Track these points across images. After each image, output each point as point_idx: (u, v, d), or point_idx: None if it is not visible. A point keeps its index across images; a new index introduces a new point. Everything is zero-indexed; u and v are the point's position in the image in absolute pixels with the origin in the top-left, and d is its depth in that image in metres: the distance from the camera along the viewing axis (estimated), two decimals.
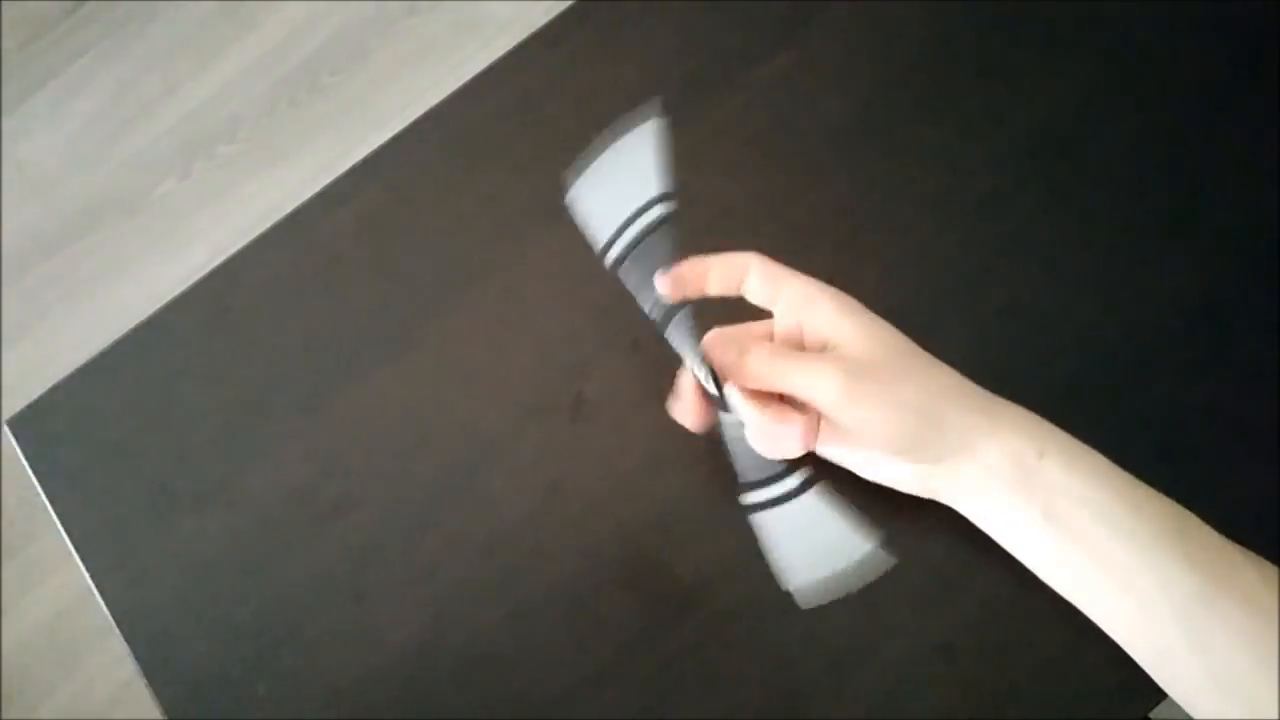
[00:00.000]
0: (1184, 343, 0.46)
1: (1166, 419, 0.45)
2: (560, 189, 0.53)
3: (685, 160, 0.53)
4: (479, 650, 0.46)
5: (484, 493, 0.48)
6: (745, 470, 0.42)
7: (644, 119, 0.43)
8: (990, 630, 0.43)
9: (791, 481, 0.41)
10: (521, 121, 0.55)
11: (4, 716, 1.31)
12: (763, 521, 0.42)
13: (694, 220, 0.51)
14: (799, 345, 0.42)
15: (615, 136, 0.43)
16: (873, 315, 0.42)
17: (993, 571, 0.42)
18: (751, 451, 0.41)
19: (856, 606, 0.43)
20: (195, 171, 1.56)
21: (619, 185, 0.43)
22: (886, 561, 0.41)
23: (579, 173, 0.44)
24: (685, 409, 0.43)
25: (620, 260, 0.43)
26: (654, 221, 0.42)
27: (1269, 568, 0.37)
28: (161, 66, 1.63)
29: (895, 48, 0.53)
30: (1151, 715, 0.42)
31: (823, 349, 0.41)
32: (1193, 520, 0.38)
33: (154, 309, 0.54)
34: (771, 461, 0.41)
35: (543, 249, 0.52)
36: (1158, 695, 0.41)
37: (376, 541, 0.48)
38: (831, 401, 0.39)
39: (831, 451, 0.44)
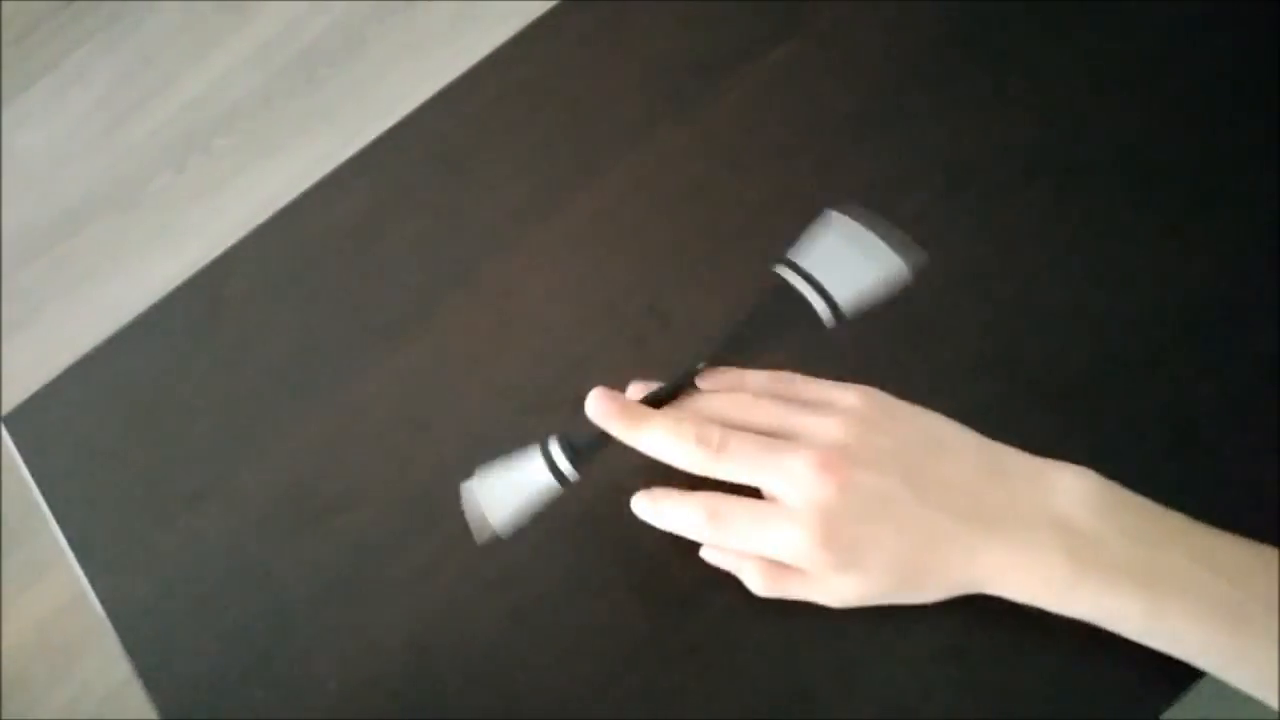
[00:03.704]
0: (1195, 336, 0.46)
1: (1178, 412, 0.44)
2: (560, 182, 0.53)
3: (685, 154, 0.52)
4: (478, 650, 0.45)
5: None
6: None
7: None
8: (1000, 632, 0.42)
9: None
10: (521, 113, 0.54)
11: (1, 717, 1.30)
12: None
13: (695, 215, 0.51)
14: None
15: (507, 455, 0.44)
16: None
17: None
18: None
19: (866, 609, 0.43)
20: (191, 165, 1.55)
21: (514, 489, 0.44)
22: (920, 258, 0.41)
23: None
24: (613, 420, 0.41)
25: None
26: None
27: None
28: (157, 60, 1.62)
29: (902, 36, 0.53)
30: (1163, 718, 0.41)
31: None
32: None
33: (150, 304, 0.54)
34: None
35: (541, 243, 0.52)
36: (1168, 697, 0.41)
37: (373, 541, 0.48)
38: (798, 560, 0.40)
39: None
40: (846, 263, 0.42)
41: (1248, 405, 0.44)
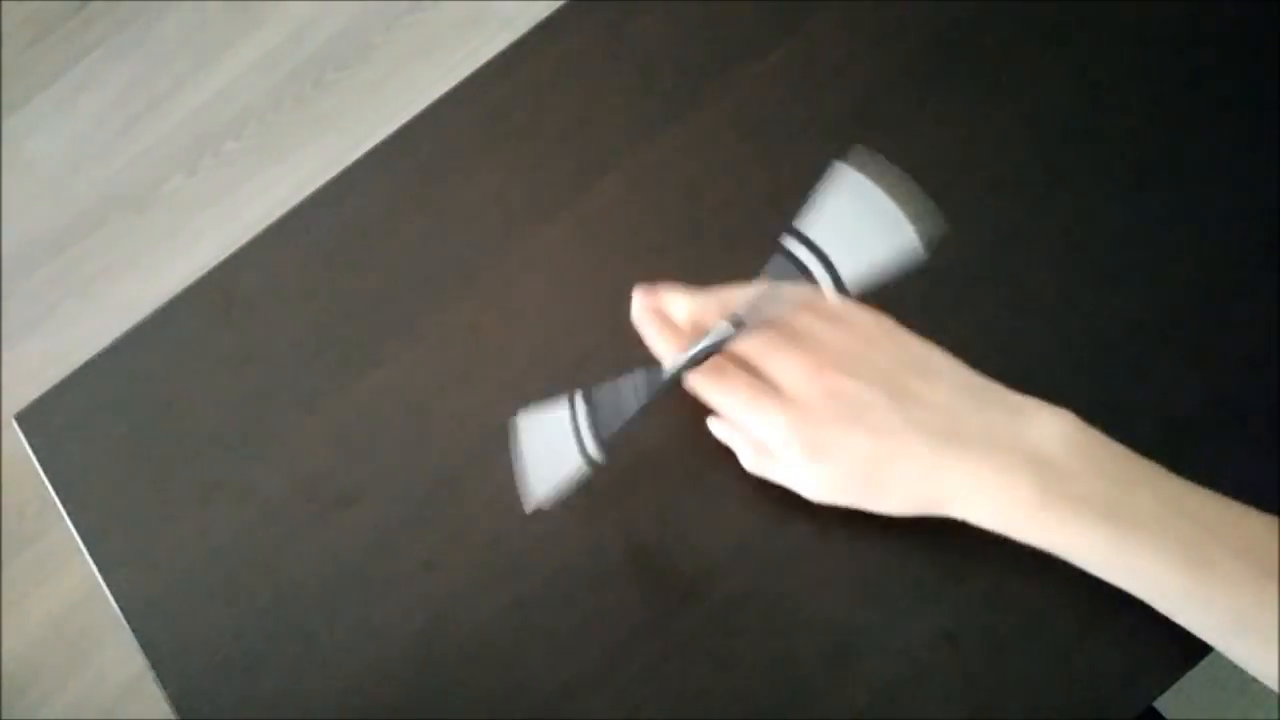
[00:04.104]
0: (1185, 330, 0.46)
1: (1167, 405, 0.45)
2: (563, 182, 0.53)
3: (685, 154, 0.53)
4: (483, 640, 0.46)
5: (486, 486, 0.48)
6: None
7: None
8: (994, 618, 0.43)
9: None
10: (524, 116, 0.55)
11: (16, 710, 1.31)
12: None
13: (694, 215, 0.52)
14: None
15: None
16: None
17: (996, 559, 0.42)
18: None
19: (860, 595, 0.44)
20: (202, 168, 1.56)
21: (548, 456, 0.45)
22: (939, 226, 0.41)
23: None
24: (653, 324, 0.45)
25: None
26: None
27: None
28: (168, 64, 1.63)
29: (895, 40, 0.53)
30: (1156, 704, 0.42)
31: None
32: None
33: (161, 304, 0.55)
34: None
35: (544, 243, 0.52)
36: (1161, 684, 0.41)
37: (381, 533, 0.48)
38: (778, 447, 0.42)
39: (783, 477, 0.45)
40: (856, 232, 0.42)
41: (1237, 402, 0.45)
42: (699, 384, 0.45)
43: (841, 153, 0.51)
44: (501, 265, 0.52)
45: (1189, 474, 0.39)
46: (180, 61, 1.63)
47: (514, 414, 0.45)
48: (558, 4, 0.57)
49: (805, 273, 0.42)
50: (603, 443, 0.42)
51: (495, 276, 0.52)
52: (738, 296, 0.44)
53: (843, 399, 0.41)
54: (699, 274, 0.50)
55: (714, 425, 0.46)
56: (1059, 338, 0.47)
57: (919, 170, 0.50)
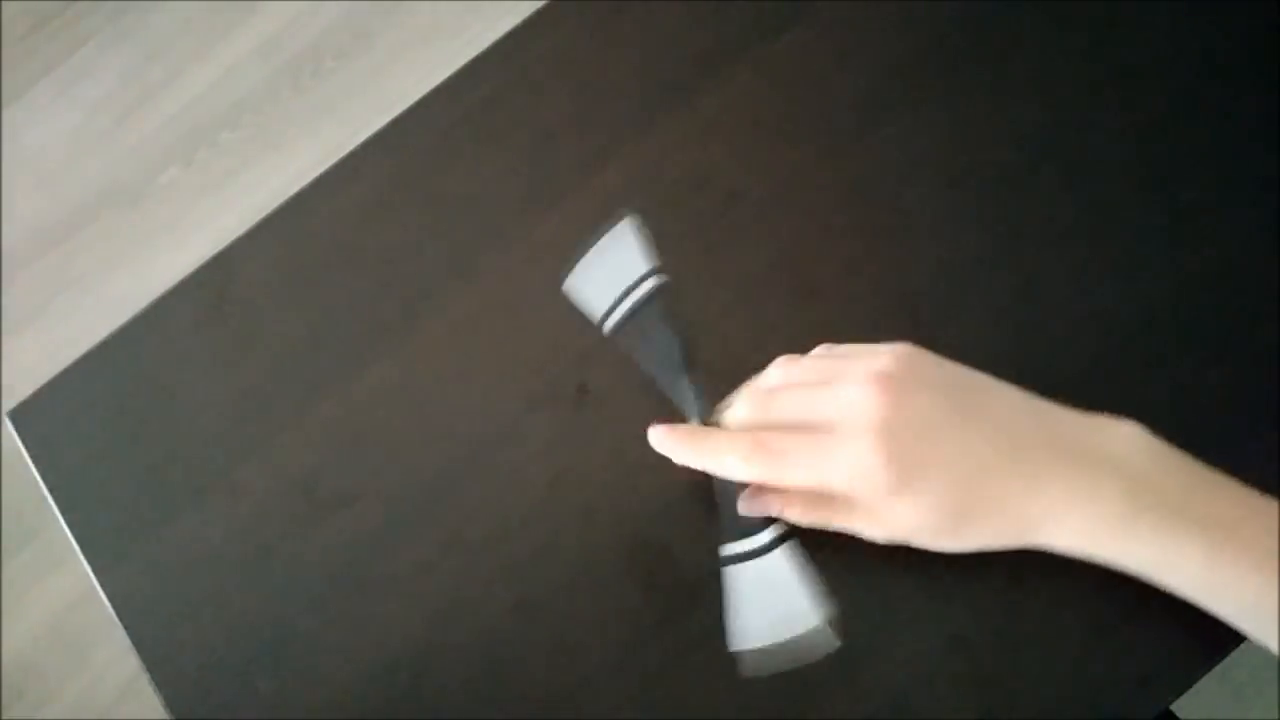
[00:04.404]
0: (1201, 325, 0.45)
1: (1183, 402, 0.44)
2: (564, 172, 0.52)
3: (695, 140, 0.52)
4: (483, 643, 0.45)
5: (487, 484, 0.47)
6: (727, 518, 0.42)
7: (620, 219, 0.48)
8: (1005, 622, 0.42)
9: (765, 536, 0.41)
10: (525, 103, 0.54)
11: (14, 711, 1.31)
12: (731, 575, 0.42)
13: (704, 203, 0.51)
14: None
15: (596, 236, 0.48)
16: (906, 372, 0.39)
17: (1007, 563, 0.41)
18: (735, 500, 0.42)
19: (869, 598, 0.43)
20: (198, 159, 1.55)
21: (609, 270, 0.47)
22: (831, 643, 0.40)
23: (570, 267, 0.48)
24: (675, 445, 0.43)
25: (619, 327, 0.46)
26: (648, 293, 0.46)
27: None
28: (163, 54, 1.62)
29: (907, 25, 0.52)
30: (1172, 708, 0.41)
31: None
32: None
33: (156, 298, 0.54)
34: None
35: (543, 235, 0.51)
36: (1178, 688, 0.40)
37: (379, 534, 0.48)
38: (848, 490, 0.39)
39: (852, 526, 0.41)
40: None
41: (1252, 395, 0.44)
42: (740, 470, 0.41)
43: (844, 144, 0.50)
44: (501, 258, 0.51)
45: None
46: (176, 51, 1.62)
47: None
48: None
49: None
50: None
51: (495, 270, 0.51)
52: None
53: (916, 412, 0.38)
54: (702, 265, 0.49)
55: (747, 504, 0.42)
56: (1070, 332, 0.46)
57: (927, 162, 0.50)
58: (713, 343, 0.48)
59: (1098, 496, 0.36)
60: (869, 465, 0.37)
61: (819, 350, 0.43)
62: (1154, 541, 0.36)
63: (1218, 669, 0.40)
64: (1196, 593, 0.37)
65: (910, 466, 0.37)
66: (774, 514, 0.42)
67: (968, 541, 0.39)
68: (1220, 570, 0.36)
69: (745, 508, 0.42)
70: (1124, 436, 0.38)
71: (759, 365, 0.44)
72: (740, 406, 0.42)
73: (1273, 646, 0.36)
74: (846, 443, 0.38)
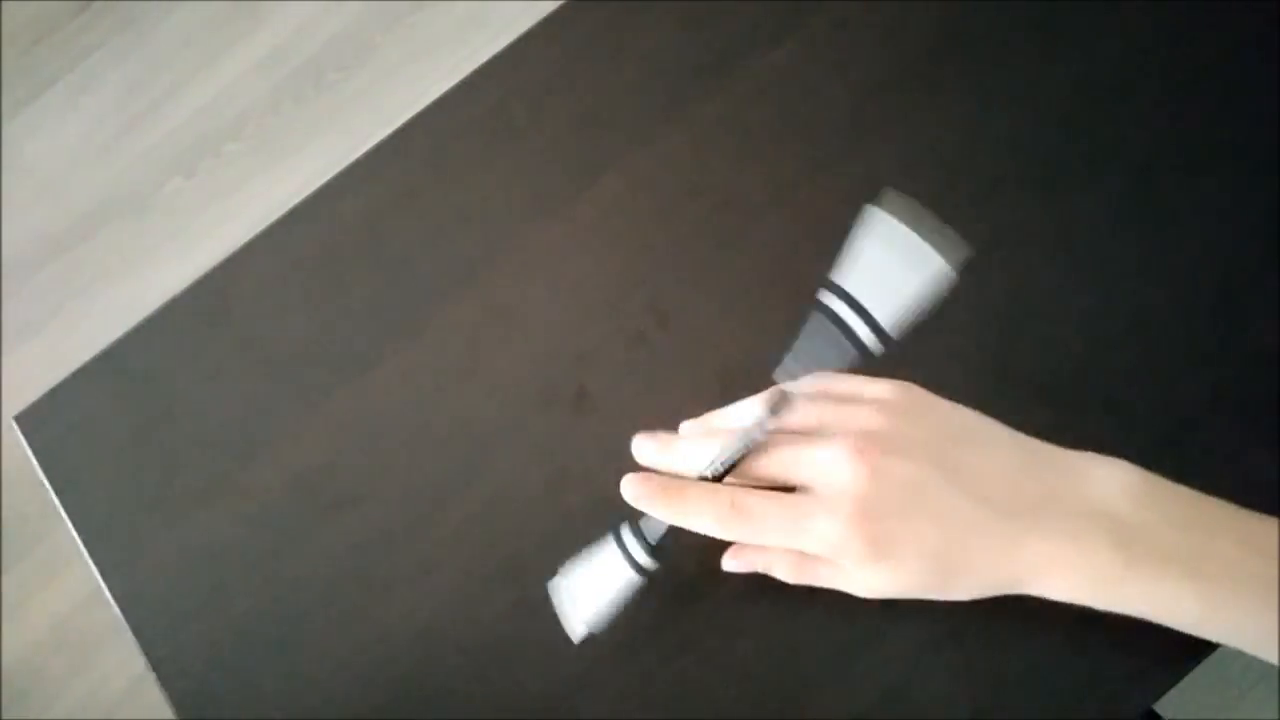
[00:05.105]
0: (1189, 331, 0.46)
1: (1173, 406, 0.45)
2: (564, 181, 0.53)
3: (688, 150, 0.53)
4: (484, 641, 0.46)
5: (488, 485, 0.48)
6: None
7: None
8: (997, 618, 0.42)
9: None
10: (525, 115, 0.55)
11: (18, 713, 1.31)
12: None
13: (698, 210, 0.52)
14: None
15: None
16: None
17: None
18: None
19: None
20: (202, 169, 1.56)
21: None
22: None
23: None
24: (648, 499, 0.41)
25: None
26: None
27: None
28: (168, 65, 1.63)
29: (898, 37, 0.53)
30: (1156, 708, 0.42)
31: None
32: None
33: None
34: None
35: (545, 242, 0.52)
36: (1164, 685, 0.41)
37: (381, 534, 0.48)
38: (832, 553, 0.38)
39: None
40: (887, 274, 0.40)
41: (1242, 400, 0.44)
42: (715, 530, 0.40)
43: (838, 152, 0.51)
44: (502, 265, 0.52)
45: (1193, 474, 0.38)
46: (180, 63, 1.63)
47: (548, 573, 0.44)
48: (558, 3, 0.57)
49: (842, 326, 0.40)
50: (653, 549, 0.41)
51: (496, 276, 0.52)
52: (736, 411, 0.42)
53: (893, 482, 0.37)
54: (699, 273, 0.50)
55: (732, 562, 0.43)
56: (1061, 335, 0.47)
57: (919, 169, 0.50)
58: (708, 351, 0.48)
59: (1086, 552, 0.36)
60: (843, 538, 0.37)
61: (813, 383, 0.42)
62: (1148, 592, 0.36)
63: (1202, 666, 0.40)
64: (1199, 634, 0.37)
65: (887, 539, 0.37)
66: (760, 571, 0.42)
67: (959, 595, 0.39)
68: (1218, 613, 0.36)
69: (729, 565, 0.43)
70: (1114, 479, 0.37)
71: (755, 373, 0.44)
72: (719, 446, 0.41)
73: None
74: (821, 514, 0.38)
